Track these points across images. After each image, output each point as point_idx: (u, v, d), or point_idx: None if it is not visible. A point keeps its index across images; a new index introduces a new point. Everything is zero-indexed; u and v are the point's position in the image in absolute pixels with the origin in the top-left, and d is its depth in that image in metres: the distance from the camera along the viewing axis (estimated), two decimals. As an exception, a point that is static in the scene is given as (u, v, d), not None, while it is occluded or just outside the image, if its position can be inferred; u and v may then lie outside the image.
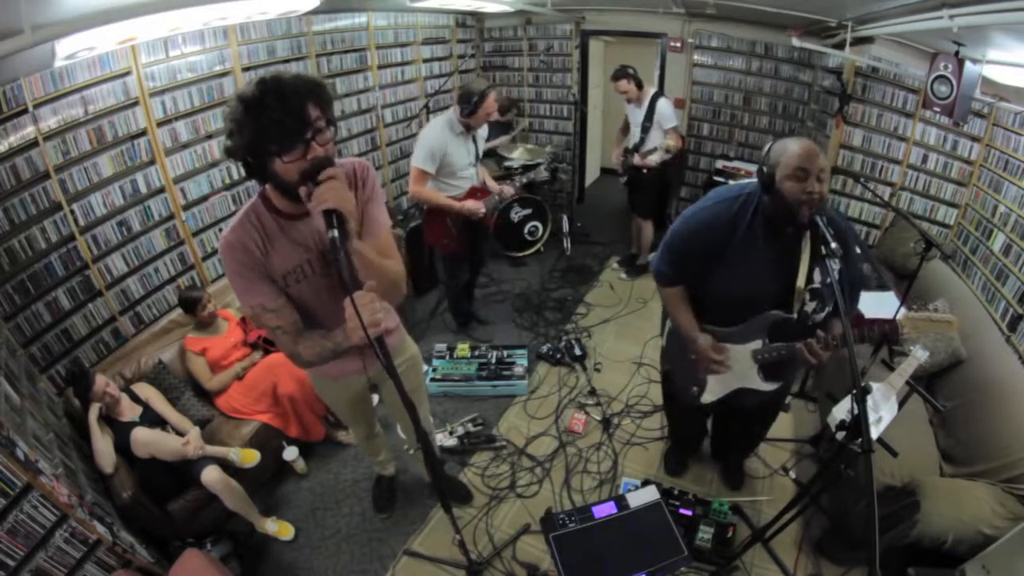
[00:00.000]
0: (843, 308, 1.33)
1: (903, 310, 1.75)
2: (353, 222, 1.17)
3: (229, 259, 1.30)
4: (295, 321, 1.39)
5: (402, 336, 1.86)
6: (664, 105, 3.55)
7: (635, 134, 3.72)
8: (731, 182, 3.90)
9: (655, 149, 3.58)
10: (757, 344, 1.71)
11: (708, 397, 1.92)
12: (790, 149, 1.43)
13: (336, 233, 1.09)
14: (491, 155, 4.46)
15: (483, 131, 3.06)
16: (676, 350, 1.95)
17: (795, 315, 1.61)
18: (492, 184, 3.19)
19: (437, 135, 2.77)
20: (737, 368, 1.78)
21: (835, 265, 1.52)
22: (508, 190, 3.19)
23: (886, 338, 1.52)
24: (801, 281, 1.56)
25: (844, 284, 1.38)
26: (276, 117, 1.07)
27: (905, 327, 1.47)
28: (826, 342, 1.54)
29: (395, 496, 2.43)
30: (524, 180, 3.54)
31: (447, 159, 2.81)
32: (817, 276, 1.56)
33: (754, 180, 1.59)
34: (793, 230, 1.53)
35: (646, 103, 3.58)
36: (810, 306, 1.59)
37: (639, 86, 3.56)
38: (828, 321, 1.64)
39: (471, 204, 2.94)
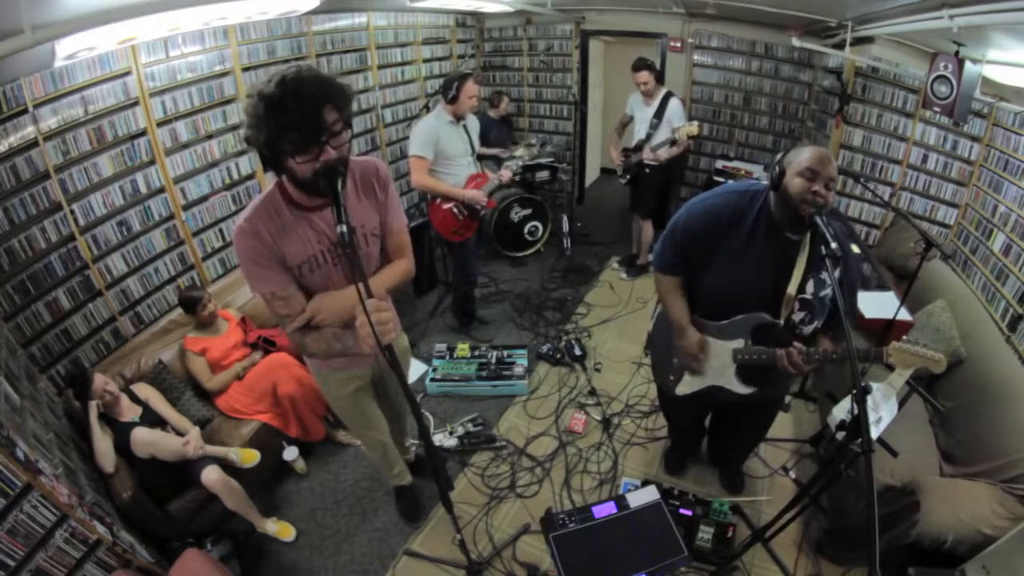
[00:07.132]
0: (843, 308, 1.33)
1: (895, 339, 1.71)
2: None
3: (242, 245, 1.31)
4: (304, 311, 1.41)
5: (399, 329, 1.87)
6: (677, 105, 3.56)
7: (641, 131, 3.71)
8: (731, 182, 3.89)
9: (674, 142, 3.55)
10: (739, 343, 1.71)
11: (683, 389, 1.93)
12: (804, 152, 1.46)
13: (345, 228, 1.10)
14: (490, 159, 4.47)
15: (474, 124, 3.14)
16: (660, 338, 1.98)
17: (781, 321, 1.61)
18: (490, 174, 3.29)
19: (428, 124, 2.94)
20: (716, 364, 1.78)
21: (826, 278, 1.53)
22: (505, 174, 3.27)
23: (868, 358, 1.53)
24: (792, 288, 1.56)
25: (843, 289, 1.39)
26: (292, 121, 1.09)
27: (891, 355, 1.46)
28: (809, 355, 1.54)
29: (421, 503, 2.38)
30: (519, 165, 3.58)
31: (441, 146, 2.94)
32: (810, 287, 1.56)
33: (762, 181, 1.59)
34: (795, 235, 1.54)
35: (656, 101, 3.58)
36: (798, 316, 1.59)
37: (658, 79, 3.57)
38: (815, 337, 1.65)
39: (472, 192, 3.04)
